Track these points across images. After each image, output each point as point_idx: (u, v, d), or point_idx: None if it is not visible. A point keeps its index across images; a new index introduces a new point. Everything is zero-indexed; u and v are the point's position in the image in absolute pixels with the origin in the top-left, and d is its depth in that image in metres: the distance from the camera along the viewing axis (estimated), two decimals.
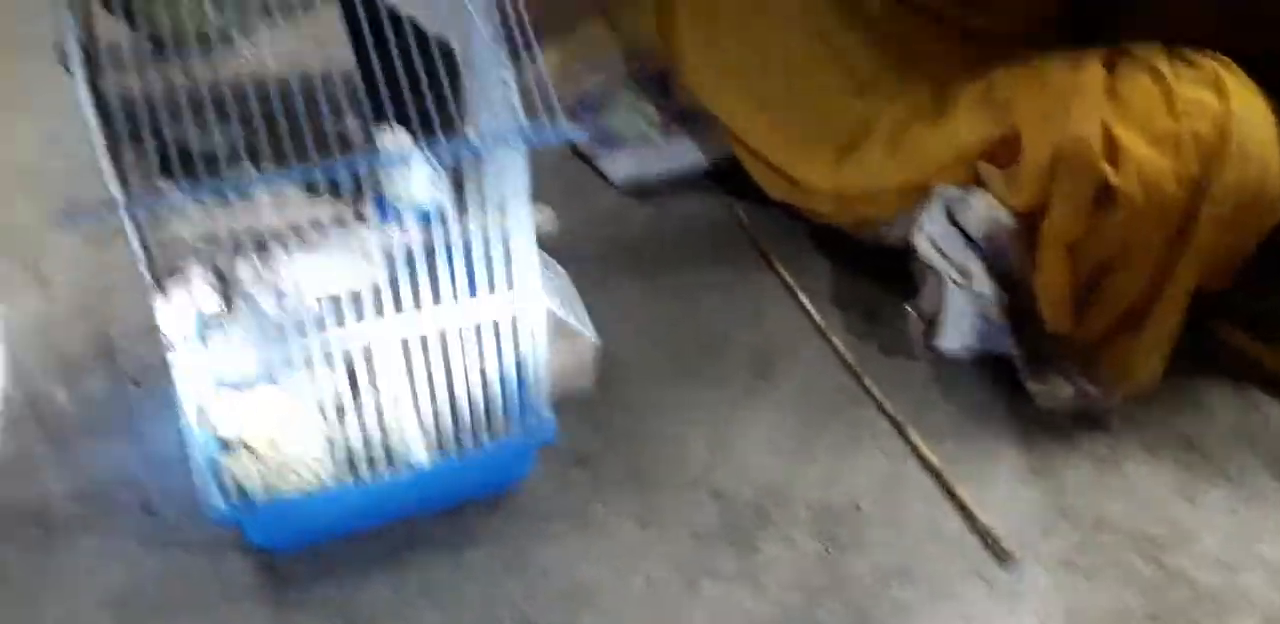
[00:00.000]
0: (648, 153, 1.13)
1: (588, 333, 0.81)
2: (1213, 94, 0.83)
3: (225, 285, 0.73)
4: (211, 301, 0.73)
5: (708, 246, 1.06)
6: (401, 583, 0.78)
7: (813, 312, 0.99)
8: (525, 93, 0.65)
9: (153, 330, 0.69)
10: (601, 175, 1.12)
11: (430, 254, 0.70)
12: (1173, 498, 0.87)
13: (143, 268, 0.67)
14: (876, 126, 0.98)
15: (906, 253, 0.96)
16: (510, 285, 0.71)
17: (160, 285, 0.69)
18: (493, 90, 0.66)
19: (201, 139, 0.65)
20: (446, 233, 0.69)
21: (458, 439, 0.77)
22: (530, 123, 0.64)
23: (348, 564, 0.79)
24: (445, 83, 0.67)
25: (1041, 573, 0.81)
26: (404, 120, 0.65)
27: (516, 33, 0.64)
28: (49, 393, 0.88)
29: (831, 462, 0.88)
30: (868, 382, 0.93)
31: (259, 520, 0.76)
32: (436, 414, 0.77)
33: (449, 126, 0.66)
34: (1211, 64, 0.85)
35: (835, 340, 0.96)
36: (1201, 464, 0.90)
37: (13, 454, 0.84)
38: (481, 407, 0.77)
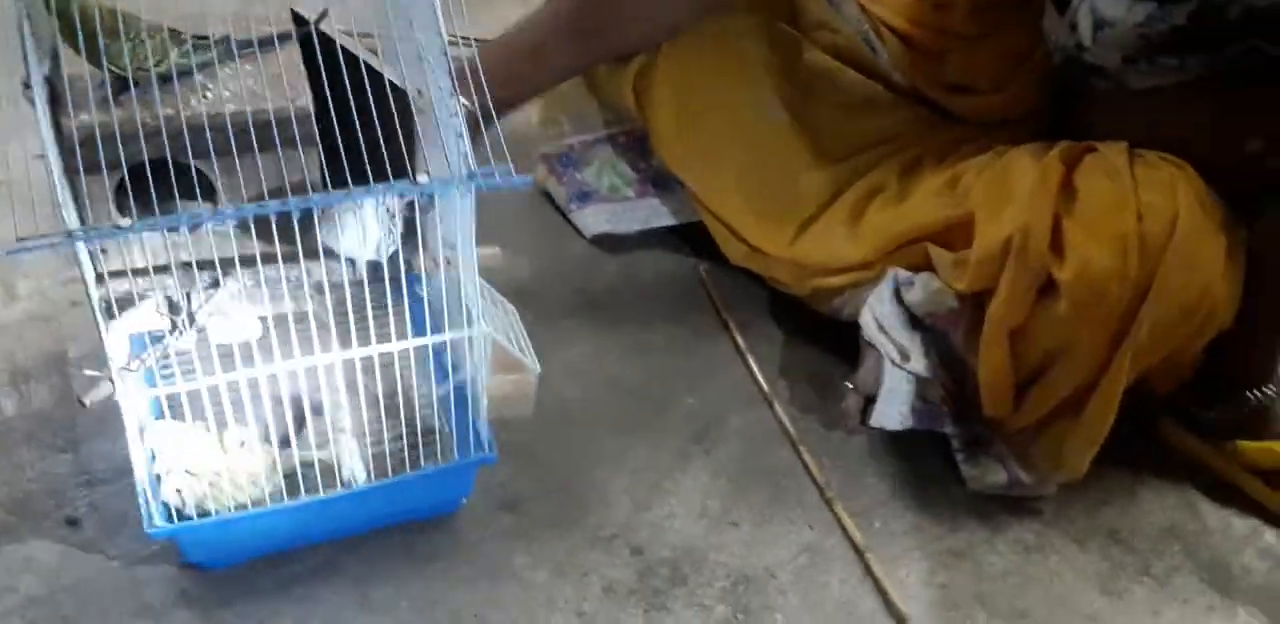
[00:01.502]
0: (620, 209, 1.19)
1: (531, 364, 0.86)
2: (1166, 198, 0.87)
3: (175, 313, 0.78)
4: (158, 325, 0.78)
5: (669, 305, 1.12)
6: (306, 616, 0.81)
7: (760, 378, 1.04)
8: (480, 144, 0.71)
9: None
10: (575, 228, 1.18)
11: (379, 291, 0.76)
12: (1095, 593, 0.90)
13: (92, 293, 0.72)
14: (840, 202, 1.04)
15: (858, 328, 1.01)
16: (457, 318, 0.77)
17: (109, 311, 0.75)
18: (446, 138, 0.71)
19: (158, 173, 0.71)
20: (395, 269, 0.75)
21: (398, 460, 0.82)
22: (480, 169, 0.70)
23: (263, 588, 0.83)
24: (399, 129, 0.73)
25: None
26: (357, 163, 0.71)
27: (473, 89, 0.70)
28: None
29: (754, 529, 0.92)
30: (804, 453, 0.97)
31: (197, 538, 0.81)
32: (378, 435, 0.82)
33: (401, 172, 0.71)
34: (1170, 168, 0.90)
35: (778, 409, 1.01)
36: (1129, 560, 0.93)
37: None
38: (420, 428, 0.83)
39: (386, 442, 0.85)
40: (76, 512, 0.86)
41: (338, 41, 0.80)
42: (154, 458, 0.80)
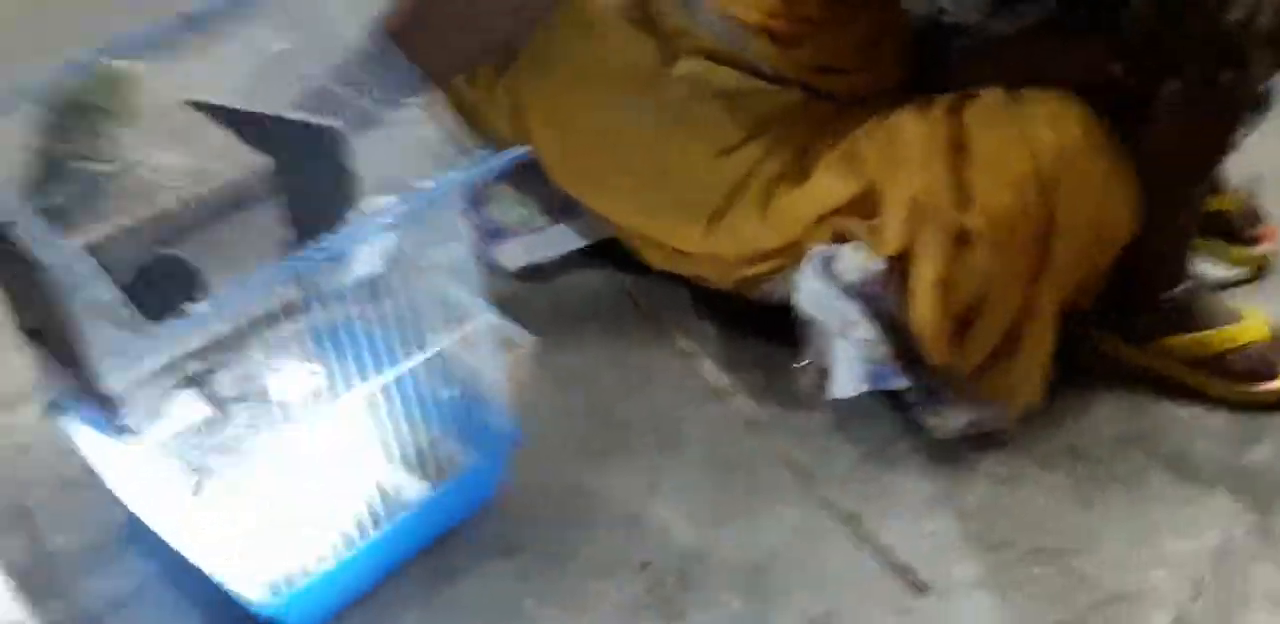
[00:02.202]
0: (536, 239, 1.23)
1: (523, 337, 0.92)
2: (1052, 132, 0.94)
3: (210, 399, 0.80)
4: (202, 413, 0.80)
5: (605, 323, 1.16)
6: None
7: (712, 375, 1.08)
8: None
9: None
10: (491, 267, 1.21)
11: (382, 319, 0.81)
12: (1072, 507, 0.96)
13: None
14: (744, 191, 1.08)
15: (791, 310, 1.06)
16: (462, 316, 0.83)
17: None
18: (401, 151, 0.77)
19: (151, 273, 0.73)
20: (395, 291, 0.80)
21: (439, 468, 0.89)
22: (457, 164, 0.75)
23: None
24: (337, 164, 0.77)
25: (958, 599, 0.90)
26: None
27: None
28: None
29: (746, 520, 0.96)
30: (771, 438, 1.02)
31: (297, 610, 0.85)
32: (416, 450, 0.88)
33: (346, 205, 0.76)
34: (1050, 101, 0.96)
35: (735, 402, 1.06)
36: (1096, 471, 0.99)
37: None
38: (454, 428, 0.89)
39: (413, 457, 0.91)
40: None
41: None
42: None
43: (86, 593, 0.92)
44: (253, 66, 0.77)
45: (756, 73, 1.12)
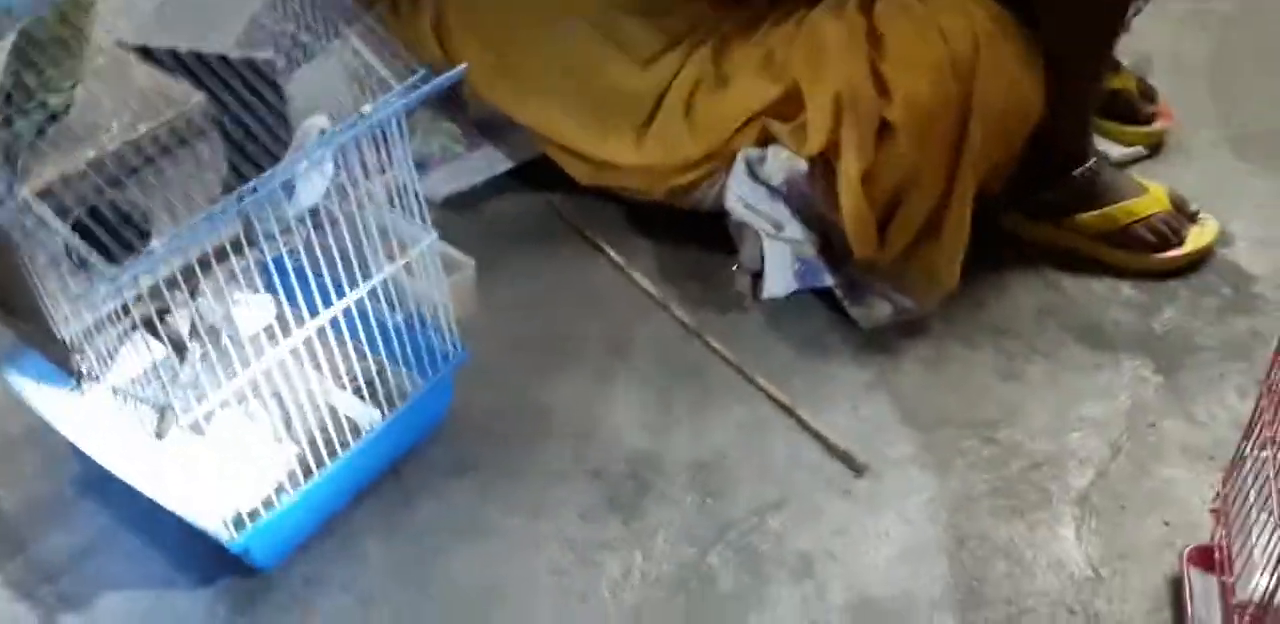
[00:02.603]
0: (459, 166, 1.24)
1: (467, 259, 0.96)
2: (962, 19, 0.98)
3: (166, 338, 0.81)
4: (159, 353, 0.82)
5: (537, 244, 1.18)
6: (305, 616, 0.89)
7: (648, 287, 1.12)
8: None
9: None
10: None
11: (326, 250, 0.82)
12: (997, 382, 1.03)
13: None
14: (667, 100, 1.10)
15: (721, 215, 1.10)
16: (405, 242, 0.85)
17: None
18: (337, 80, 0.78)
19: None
20: (338, 221, 0.81)
21: (391, 393, 0.91)
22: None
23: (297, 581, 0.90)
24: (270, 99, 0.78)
25: (895, 476, 0.96)
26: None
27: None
28: None
29: (694, 421, 1.01)
30: (711, 341, 1.07)
31: (264, 542, 0.88)
32: (366, 377, 0.91)
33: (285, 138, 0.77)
34: None
35: (674, 309, 1.10)
36: (1017, 346, 1.06)
37: None
38: (401, 353, 0.91)
39: (364, 384, 0.94)
40: (50, 609, 0.90)
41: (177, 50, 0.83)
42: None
43: (45, 548, 0.94)
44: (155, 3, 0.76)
45: None
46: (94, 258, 0.72)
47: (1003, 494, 0.95)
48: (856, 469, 0.96)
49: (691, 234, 1.15)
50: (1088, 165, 1.08)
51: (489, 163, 1.23)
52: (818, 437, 0.99)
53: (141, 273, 0.69)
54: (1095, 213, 1.09)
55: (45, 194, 0.72)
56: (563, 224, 1.20)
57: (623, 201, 1.18)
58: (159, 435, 0.78)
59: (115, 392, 0.83)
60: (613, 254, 1.16)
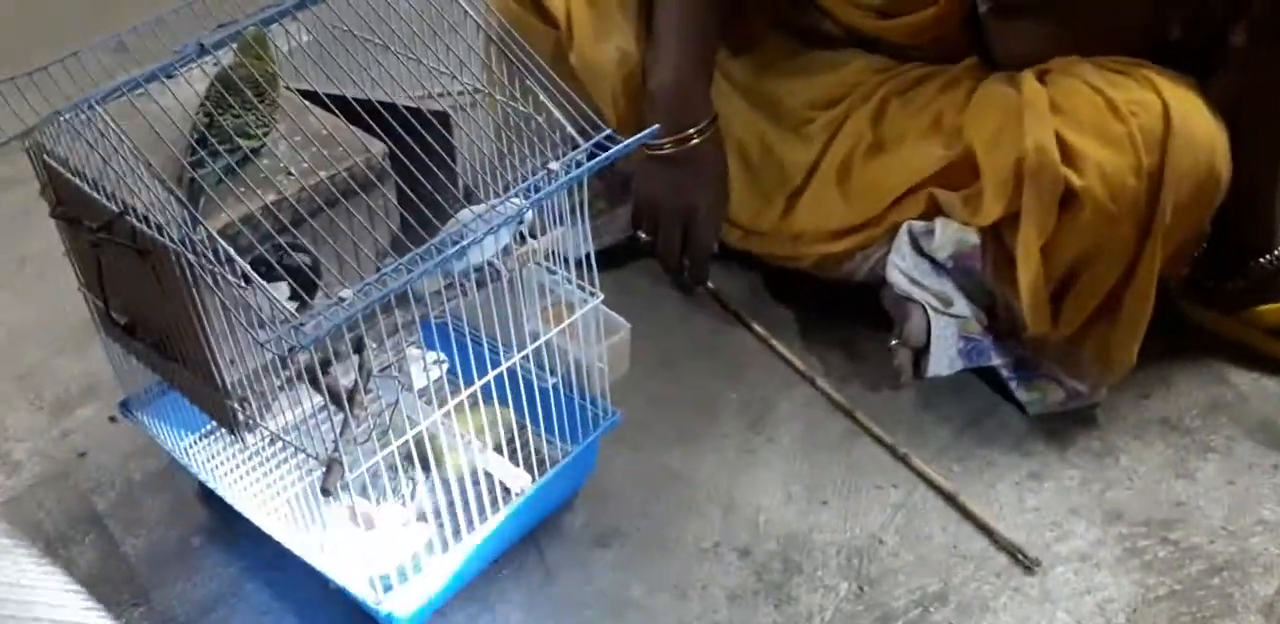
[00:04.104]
0: (601, 224, 1.23)
1: (623, 321, 0.96)
2: (1149, 92, 0.96)
3: (328, 389, 0.79)
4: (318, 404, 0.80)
5: (674, 310, 1.17)
6: None
7: (792, 359, 1.10)
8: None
9: None
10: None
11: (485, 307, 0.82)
12: (1170, 478, 0.99)
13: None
14: (821, 166, 1.10)
15: (872, 287, 1.08)
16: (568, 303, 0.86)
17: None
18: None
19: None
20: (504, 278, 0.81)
21: (540, 457, 0.91)
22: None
23: None
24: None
25: (1066, 573, 0.92)
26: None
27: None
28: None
29: (844, 502, 0.98)
30: (861, 417, 1.04)
31: (407, 606, 0.85)
32: (519, 439, 0.92)
33: (448, 193, 0.77)
34: (1135, 69, 0.99)
35: (820, 383, 1.07)
36: (1187, 442, 1.02)
37: None
38: (551, 416, 0.91)
39: (517, 446, 0.93)
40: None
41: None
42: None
43: (169, 598, 0.92)
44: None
45: (820, 36, 1.14)
46: (274, 305, 0.71)
47: (1183, 599, 0.90)
48: (1027, 564, 0.93)
49: (837, 305, 1.14)
50: (1272, 254, 1.06)
51: (625, 222, 1.23)
52: (983, 527, 0.95)
53: (340, 323, 0.68)
54: (1274, 306, 1.07)
55: (223, 234, 0.72)
56: (704, 292, 1.18)
57: (765, 268, 1.17)
58: (325, 491, 0.76)
59: (275, 441, 0.81)
60: (755, 325, 1.14)
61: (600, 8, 1.13)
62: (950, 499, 0.98)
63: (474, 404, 0.92)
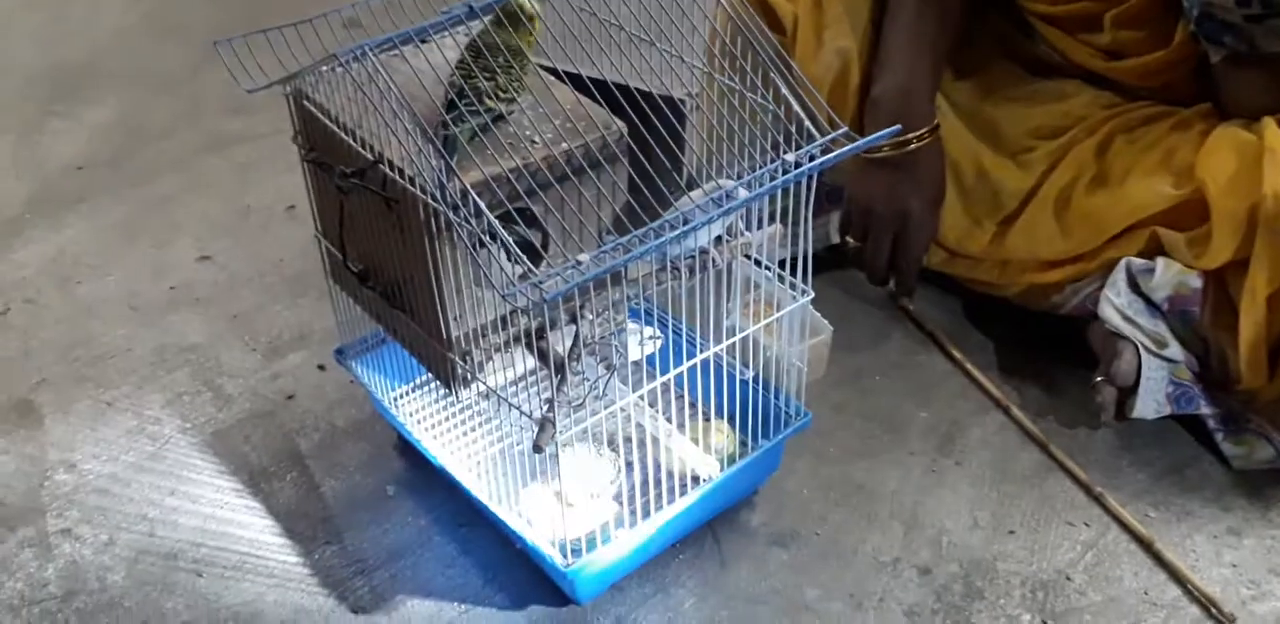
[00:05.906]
0: (795, 231, 1.25)
1: (826, 324, 0.98)
2: None
3: (543, 353, 0.84)
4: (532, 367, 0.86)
5: (868, 326, 1.18)
6: None
7: (987, 385, 1.10)
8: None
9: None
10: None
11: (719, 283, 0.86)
12: None
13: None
14: (1039, 194, 1.10)
15: (1076, 322, 1.08)
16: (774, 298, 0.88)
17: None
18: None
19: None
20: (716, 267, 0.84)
21: (730, 448, 0.94)
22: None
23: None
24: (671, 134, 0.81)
25: None
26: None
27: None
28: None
29: (1032, 534, 0.98)
30: (1055, 451, 1.04)
31: (590, 575, 0.89)
32: (711, 429, 0.94)
33: (671, 179, 0.80)
34: None
35: (1016, 413, 1.07)
36: None
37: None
38: (746, 411, 0.93)
39: (709, 434, 0.95)
40: (360, 601, 0.93)
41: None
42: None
43: (362, 541, 0.97)
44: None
45: (1048, 67, 1.14)
46: (520, 262, 0.75)
47: None
48: (1221, 620, 0.91)
49: (1036, 337, 1.14)
50: None
51: (828, 231, 1.25)
52: (1177, 576, 0.94)
53: (576, 285, 0.71)
54: None
55: (469, 193, 0.76)
56: (897, 309, 1.19)
57: (966, 294, 1.18)
58: (538, 449, 0.80)
59: (487, 397, 0.86)
60: (952, 348, 1.15)
61: (827, 12, 1.16)
62: (1145, 544, 0.96)
63: (705, 418, 0.96)
